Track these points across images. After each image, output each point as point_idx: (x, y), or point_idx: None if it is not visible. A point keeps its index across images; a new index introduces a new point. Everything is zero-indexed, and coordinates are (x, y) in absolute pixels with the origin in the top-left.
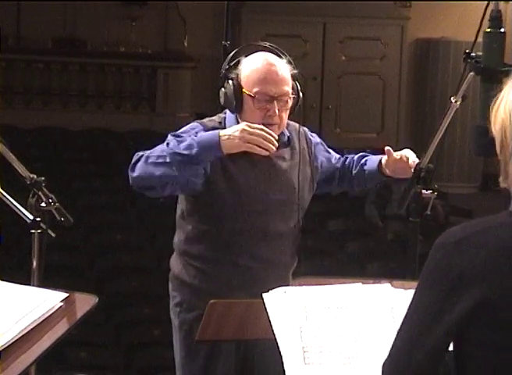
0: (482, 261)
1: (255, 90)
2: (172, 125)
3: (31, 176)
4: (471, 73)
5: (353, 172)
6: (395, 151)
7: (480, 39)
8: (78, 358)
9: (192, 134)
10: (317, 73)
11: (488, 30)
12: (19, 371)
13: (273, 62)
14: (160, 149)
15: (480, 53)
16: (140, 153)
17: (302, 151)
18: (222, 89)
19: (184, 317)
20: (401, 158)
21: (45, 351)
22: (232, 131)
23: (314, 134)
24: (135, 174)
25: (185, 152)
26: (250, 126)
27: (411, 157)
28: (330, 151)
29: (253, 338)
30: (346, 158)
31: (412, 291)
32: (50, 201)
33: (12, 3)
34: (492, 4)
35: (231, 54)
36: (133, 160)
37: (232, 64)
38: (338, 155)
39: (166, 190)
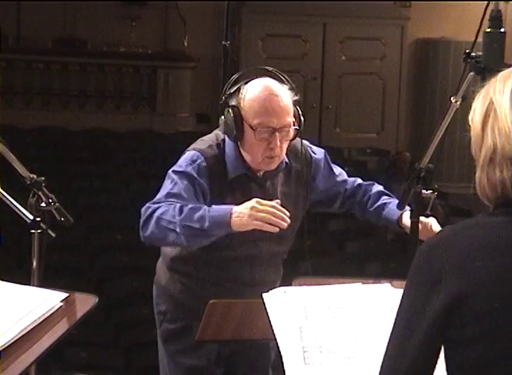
0: (457, 257)
1: (256, 122)
2: (172, 125)
3: (31, 176)
4: (471, 73)
5: (369, 208)
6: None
7: (480, 39)
8: (78, 358)
9: (193, 170)
10: (317, 73)
11: (488, 30)
12: (19, 371)
13: (275, 92)
14: (171, 214)
15: (480, 53)
16: (151, 207)
17: (298, 172)
18: (223, 117)
19: (166, 327)
20: (425, 225)
21: (45, 351)
22: (243, 208)
23: (318, 151)
24: (146, 234)
25: (196, 226)
26: (260, 204)
27: (434, 225)
28: (335, 171)
29: (253, 338)
30: (360, 186)
31: None
32: (50, 201)
33: (12, 3)
34: (492, 4)
35: (232, 79)
36: (144, 215)
37: (233, 91)
38: (345, 178)
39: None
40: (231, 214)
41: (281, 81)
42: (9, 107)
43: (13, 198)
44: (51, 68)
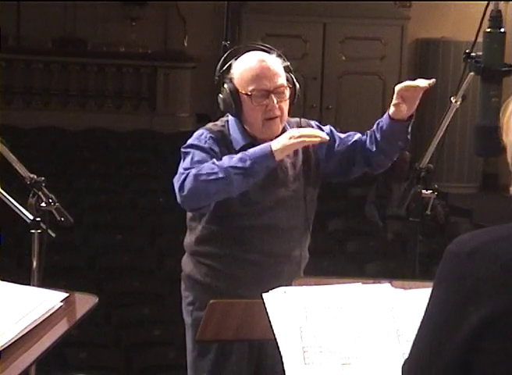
0: (497, 272)
1: (251, 88)
2: (172, 125)
3: (31, 176)
4: (471, 73)
5: (378, 138)
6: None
7: (480, 39)
8: (78, 358)
9: (203, 141)
10: (317, 73)
11: (488, 30)
12: (19, 371)
13: (263, 58)
14: (208, 167)
15: (480, 53)
16: (184, 171)
17: (304, 146)
18: (220, 95)
19: (197, 315)
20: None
21: (45, 351)
22: (281, 139)
23: (319, 124)
24: (186, 193)
25: (239, 165)
26: (297, 131)
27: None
28: (341, 136)
29: (253, 338)
30: (360, 138)
31: (412, 291)
32: (50, 201)
33: (12, 3)
34: (492, 4)
35: (221, 59)
36: (180, 179)
37: (224, 69)
38: (356, 137)
39: (211, 204)
40: (270, 145)
41: (267, 51)
42: (9, 107)
43: (13, 198)
44: (51, 68)
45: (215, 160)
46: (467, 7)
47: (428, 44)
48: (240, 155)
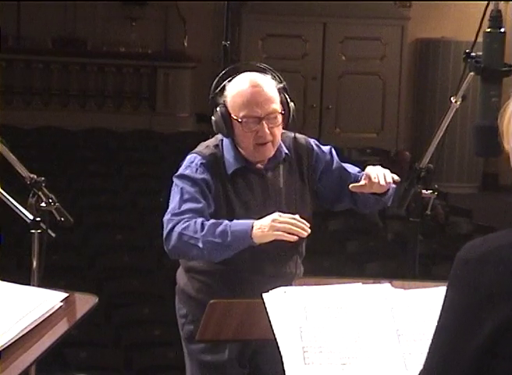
0: (508, 278)
1: (242, 114)
2: (172, 125)
3: (31, 176)
4: (471, 73)
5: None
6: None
7: (480, 39)
8: (78, 358)
9: (194, 169)
10: (317, 73)
11: (488, 30)
12: (19, 371)
13: (256, 83)
14: (193, 228)
15: (480, 53)
16: (172, 220)
17: (300, 162)
18: (212, 117)
19: (188, 329)
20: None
21: (45, 351)
22: (264, 221)
23: (324, 147)
24: (170, 248)
25: (218, 241)
26: (280, 216)
27: (383, 178)
28: (341, 165)
29: (253, 338)
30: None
31: (412, 291)
32: (50, 201)
33: (12, 3)
34: (492, 4)
35: (215, 80)
36: (166, 229)
37: (218, 90)
38: (352, 172)
39: None
40: (252, 227)
41: (263, 72)
42: (9, 107)
43: (13, 198)
44: (51, 68)
45: (202, 221)
46: (467, 7)
47: (428, 44)
48: (222, 227)
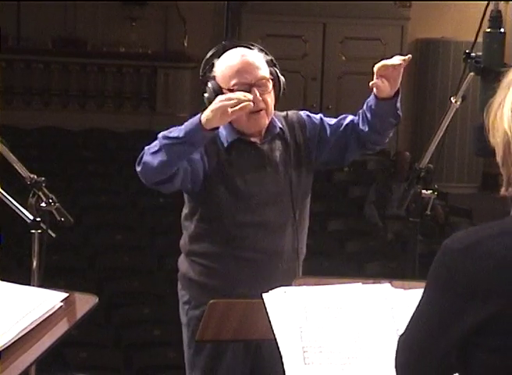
0: (493, 271)
1: (232, 83)
2: (172, 125)
3: (31, 176)
4: (471, 73)
5: (369, 117)
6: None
7: (480, 39)
8: (78, 358)
9: None
10: (317, 73)
11: (488, 30)
12: (19, 371)
13: (243, 53)
14: (155, 142)
15: (480, 53)
16: (146, 147)
17: (294, 139)
18: (204, 94)
19: (192, 314)
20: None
21: (45, 351)
22: (211, 106)
23: (309, 114)
24: (139, 169)
25: (173, 135)
26: (223, 97)
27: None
28: (331, 122)
29: (253, 338)
30: (352, 121)
31: (412, 291)
32: (50, 201)
33: (12, 3)
34: (492, 4)
35: (204, 59)
36: (140, 155)
37: (207, 68)
38: (347, 120)
39: (174, 181)
40: (201, 115)
41: (249, 48)
42: (9, 107)
43: (13, 198)
44: (51, 68)
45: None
46: (467, 7)
47: (428, 44)
48: (180, 127)
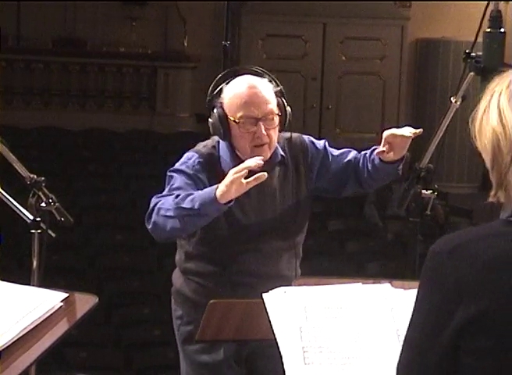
0: (479, 271)
1: (239, 115)
2: (172, 125)
3: (31, 176)
4: (471, 73)
5: (369, 168)
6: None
7: (480, 39)
8: (78, 358)
9: (190, 166)
10: (317, 73)
11: (488, 30)
12: (19, 371)
13: (253, 84)
14: (168, 202)
15: (480, 53)
16: (155, 201)
17: (295, 164)
18: (209, 119)
19: (184, 330)
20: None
21: (45, 351)
22: (224, 180)
23: (318, 142)
24: (150, 227)
25: (188, 206)
26: (235, 169)
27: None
28: (335, 153)
29: (253, 338)
30: (355, 159)
31: (412, 291)
32: (50, 201)
33: (12, 3)
34: (492, 4)
35: (213, 83)
36: (150, 208)
37: (215, 93)
38: (350, 156)
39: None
40: (216, 188)
41: (260, 75)
42: (9, 107)
43: (13, 198)
44: (51, 68)
45: (177, 194)
46: (467, 7)
47: (428, 44)
48: (192, 195)
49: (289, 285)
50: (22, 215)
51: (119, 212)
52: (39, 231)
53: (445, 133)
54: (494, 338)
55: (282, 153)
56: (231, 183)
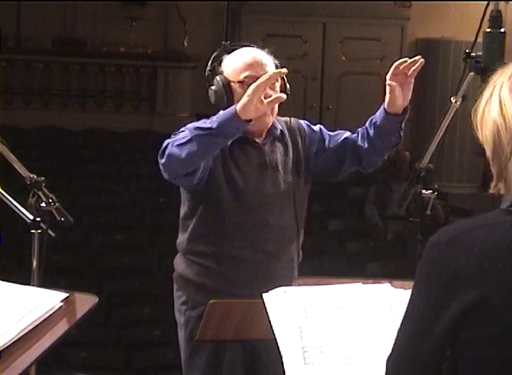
0: (476, 260)
1: (243, 75)
2: (172, 125)
3: (31, 176)
4: (471, 73)
5: (371, 134)
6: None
7: (480, 39)
8: (78, 358)
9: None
10: (317, 73)
11: (488, 30)
12: (19, 371)
13: (255, 50)
14: (183, 133)
15: (480, 53)
16: (167, 140)
17: (295, 145)
18: (211, 87)
19: (190, 315)
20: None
21: (45, 351)
22: (245, 94)
23: (309, 124)
24: (163, 160)
25: (206, 126)
26: (254, 85)
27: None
28: (331, 134)
29: (253, 338)
30: (351, 136)
31: None
32: (50, 201)
33: (12, 3)
34: (492, 4)
35: (212, 55)
36: (162, 147)
37: (215, 63)
38: (347, 134)
39: (194, 176)
40: (236, 105)
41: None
42: (9, 107)
43: (13, 198)
44: (51, 68)
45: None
46: (467, 7)
47: (428, 44)
48: (211, 118)
49: (289, 285)
50: (22, 215)
51: (119, 212)
52: (39, 231)
53: (445, 133)
54: (497, 327)
55: (282, 128)
56: (253, 94)
